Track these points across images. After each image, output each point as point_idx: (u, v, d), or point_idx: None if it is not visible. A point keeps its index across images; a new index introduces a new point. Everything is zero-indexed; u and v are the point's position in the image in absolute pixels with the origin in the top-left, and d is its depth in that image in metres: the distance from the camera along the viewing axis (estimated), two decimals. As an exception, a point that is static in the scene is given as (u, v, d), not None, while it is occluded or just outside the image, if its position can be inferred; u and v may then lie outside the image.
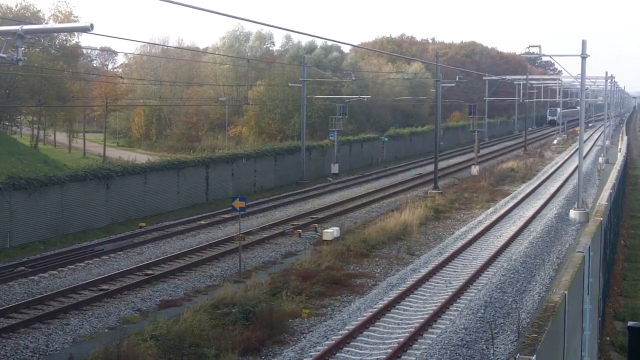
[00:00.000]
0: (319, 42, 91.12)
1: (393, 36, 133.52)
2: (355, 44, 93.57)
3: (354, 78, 64.95)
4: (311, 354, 18.84)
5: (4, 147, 52.65)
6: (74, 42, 69.75)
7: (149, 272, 27.50)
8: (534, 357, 8.87)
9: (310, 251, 30.91)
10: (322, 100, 71.94)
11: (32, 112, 70.45)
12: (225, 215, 38.99)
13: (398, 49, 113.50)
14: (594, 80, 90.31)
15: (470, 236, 34.18)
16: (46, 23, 61.81)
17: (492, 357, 18.70)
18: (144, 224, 36.97)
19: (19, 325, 21.16)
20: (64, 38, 67.89)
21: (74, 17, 67.53)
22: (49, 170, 41.59)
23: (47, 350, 19.56)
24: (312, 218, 39.25)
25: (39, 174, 34.80)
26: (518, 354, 9.04)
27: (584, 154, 42.47)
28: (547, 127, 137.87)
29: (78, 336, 20.67)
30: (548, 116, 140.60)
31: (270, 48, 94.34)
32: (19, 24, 14.69)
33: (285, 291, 24.17)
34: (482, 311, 22.39)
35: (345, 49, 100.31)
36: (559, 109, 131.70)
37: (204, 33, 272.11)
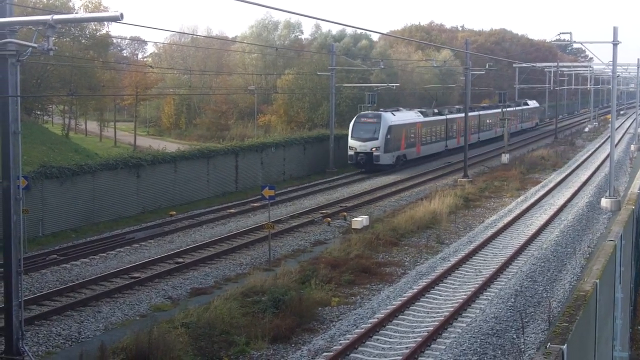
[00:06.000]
0: (348, 31, 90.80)
1: (422, 24, 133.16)
2: (384, 32, 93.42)
3: (382, 66, 64.57)
4: (341, 342, 18.89)
5: (35, 136, 53.15)
6: (104, 31, 70.15)
7: (180, 260, 27.69)
8: (565, 347, 8.82)
9: (340, 240, 30.91)
10: (350, 88, 71.77)
11: (63, 102, 71.08)
12: (255, 204, 39.08)
13: (427, 37, 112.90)
14: (626, 67, 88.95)
15: (500, 225, 34.00)
16: (76, 13, 62.27)
17: (523, 346, 18.62)
18: (174, 212, 37.17)
19: (52, 312, 21.42)
20: (94, 28, 68.28)
21: (104, 7, 68.05)
22: (81, 159, 41.89)
23: (80, 337, 19.78)
24: (341, 206, 39.24)
25: (71, 163, 35.09)
26: (549, 343, 9.00)
27: (615, 141, 41.99)
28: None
29: (110, 323, 20.88)
30: (350, 141, 52.57)
31: (299, 37, 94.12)
32: (49, 14, 14.79)
33: (315, 279, 24.23)
34: (513, 300, 22.29)
35: (374, 37, 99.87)
36: (386, 114, 53.12)
37: (233, 22, 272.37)
